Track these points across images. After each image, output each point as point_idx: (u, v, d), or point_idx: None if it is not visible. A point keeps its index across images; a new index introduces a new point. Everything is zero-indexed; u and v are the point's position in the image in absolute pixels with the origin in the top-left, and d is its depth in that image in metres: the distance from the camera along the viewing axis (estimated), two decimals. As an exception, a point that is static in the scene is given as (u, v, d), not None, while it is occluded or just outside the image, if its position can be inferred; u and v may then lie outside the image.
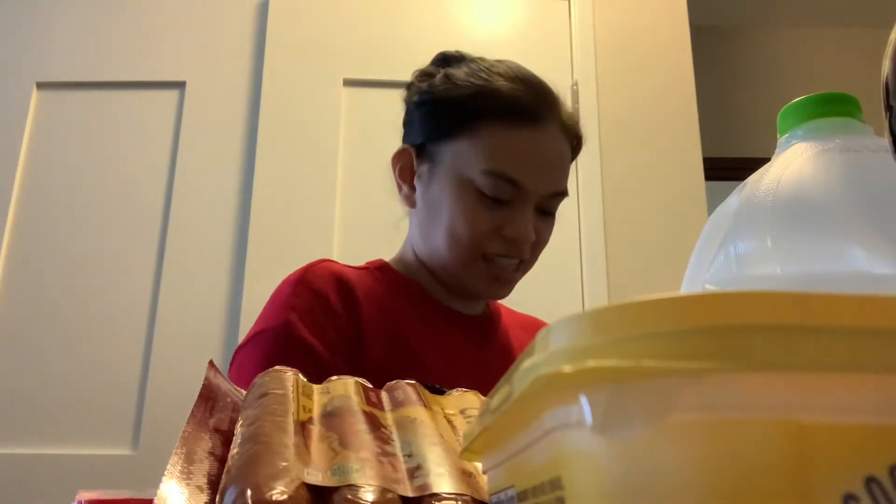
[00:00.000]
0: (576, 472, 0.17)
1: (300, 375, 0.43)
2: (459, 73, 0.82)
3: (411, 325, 0.80)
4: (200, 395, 0.40)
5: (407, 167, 0.85)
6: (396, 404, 0.42)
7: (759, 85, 2.94)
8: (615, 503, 0.15)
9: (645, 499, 0.15)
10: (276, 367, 0.43)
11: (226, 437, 0.38)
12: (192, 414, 0.38)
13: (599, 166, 1.86)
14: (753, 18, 2.96)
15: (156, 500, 0.30)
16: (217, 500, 0.30)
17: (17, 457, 1.61)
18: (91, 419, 1.65)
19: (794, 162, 0.37)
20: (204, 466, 0.34)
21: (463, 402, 0.45)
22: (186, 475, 0.33)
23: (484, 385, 0.55)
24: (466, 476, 0.34)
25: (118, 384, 1.67)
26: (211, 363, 0.43)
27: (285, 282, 0.80)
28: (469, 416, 0.43)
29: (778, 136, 0.41)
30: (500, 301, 0.96)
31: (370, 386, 0.45)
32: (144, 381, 1.67)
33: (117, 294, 1.73)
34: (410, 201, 0.85)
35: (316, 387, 0.42)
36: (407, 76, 0.89)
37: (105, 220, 1.78)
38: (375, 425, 0.38)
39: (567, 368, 0.15)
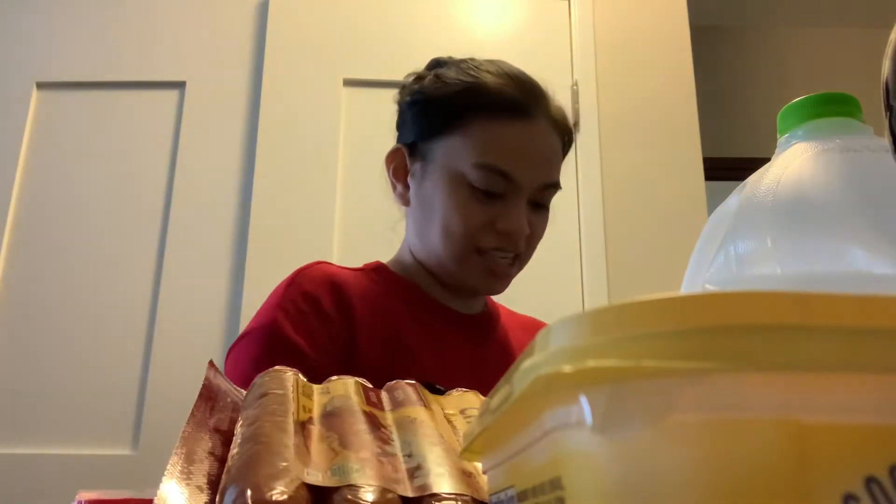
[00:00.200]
0: (576, 472, 0.17)
1: (300, 375, 0.43)
2: (449, 72, 0.83)
3: (408, 326, 0.81)
4: (200, 395, 0.40)
5: (400, 166, 0.86)
6: (396, 404, 0.42)
7: (759, 85, 2.94)
8: (615, 503, 0.15)
9: (645, 499, 0.15)
10: (277, 367, 0.43)
11: (226, 437, 0.38)
12: (192, 414, 0.38)
13: (599, 166, 1.86)
14: (753, 18, 2.96)
15: (156, 500, 0.30)
16: (217, 500, 0.30)
17: (17, 457, 1.61)
18: (91, 419, 1.65)
19: (794, 162, 0.37)
20: (204, 466, 0.34)
21: (463, 402, 0.45)
22: (186, 475, 0.33)
23: (482, 384, 0.55)
24: (466, 476, 0.34)
25: (118, 384, 1.67)
26: (211, 363, 0.43)
27: (280, 284, 0.81)
28: (469, 416, 0.43)
29: (778, 136, 0.41)
30: (500, 302, 0.96)
31: (370, 386, 0.45)
32: (144, 381, 1.67)
33: (117, 294, 1.73)
34: (405, 200, 0.86)
35: (316, 387, 0.42)
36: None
37: (105, 221, 1.78)
38: (375, 425, 0.38)
39: (567, 368, 0.15)
